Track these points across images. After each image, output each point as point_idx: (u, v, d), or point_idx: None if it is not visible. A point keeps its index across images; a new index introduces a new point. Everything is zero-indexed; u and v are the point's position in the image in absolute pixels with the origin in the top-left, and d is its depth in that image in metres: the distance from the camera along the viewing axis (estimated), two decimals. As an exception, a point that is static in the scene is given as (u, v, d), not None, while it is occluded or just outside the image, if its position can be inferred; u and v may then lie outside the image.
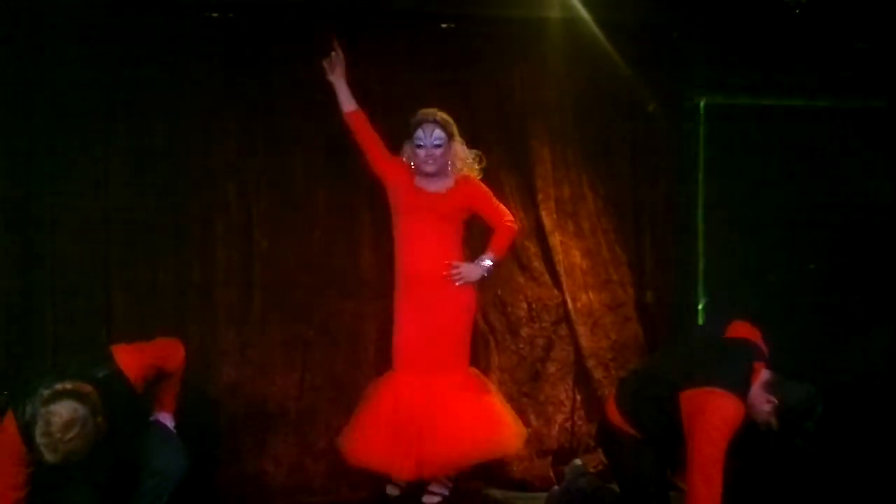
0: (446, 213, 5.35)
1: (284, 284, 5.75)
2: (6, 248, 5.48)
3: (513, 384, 5.91)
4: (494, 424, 5.36)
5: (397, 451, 5.18)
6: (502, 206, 5.48)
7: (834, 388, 4.86)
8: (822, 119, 6.39)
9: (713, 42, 6.17)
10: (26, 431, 4.08)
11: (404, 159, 5.38)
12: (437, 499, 5.41)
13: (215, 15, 5.67)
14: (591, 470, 5.58)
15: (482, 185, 5.46)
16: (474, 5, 5.79)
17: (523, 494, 5.71)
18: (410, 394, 5.27)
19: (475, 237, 5.65)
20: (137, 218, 5.62)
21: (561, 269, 6.00)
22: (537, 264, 6.02)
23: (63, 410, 3.94)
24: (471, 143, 5.60)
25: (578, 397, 6.02)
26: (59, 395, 3.97)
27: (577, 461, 5.52)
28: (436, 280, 5.33)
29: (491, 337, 5.92)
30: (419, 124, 5.26)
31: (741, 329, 4.87)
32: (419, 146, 5.27)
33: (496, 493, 5.71)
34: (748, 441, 4.49)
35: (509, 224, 5.45)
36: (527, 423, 5.67)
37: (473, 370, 5.54)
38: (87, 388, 4.06)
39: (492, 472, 5.67)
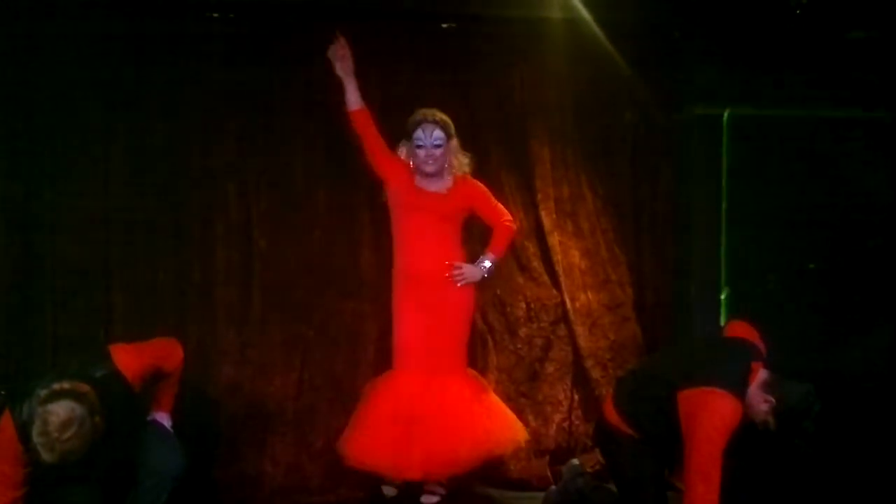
0: (447, 212, 5.36)
1: (284, 284, 5.76)
2: (6, 248, 5.50)
3: (511, 384, 5.92)
4: (495, 424, 5.36)
5: (398, 451, 5.17)
6: (501, 206, 5.49)
7: (833, 388, 4.86)
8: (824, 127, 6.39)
9: (714, 43, 6.17)
10: (24, 431, 4.08)
11: (403, 158, 5.38)
12: (435, 498, 5.41)
13: (216, 15, 5.68)
14: (589, 470, 5.60)
15: (481, 185, 5.47)
16: (474, 5, 5.79)
17: (521, 494, 5.72)
18: (411, 393, 5.27)
19: (475, 237, 5.65)
20: (137, 218, 5.64)
21: (560, 269, 6.00)
22: (536, 264, 6.03)
23: (60, 410, 3.94)
24: (471, 142, 5.62)
25: (576, 397, 6.02)
26: (56, 395, 3.97)
27: (575, 461, 5.54)
28: (436, 280, 5.33)
29: (489, 337, 5.93)
30: (418, 124, 5.27)
31: (739, 329, 4.87)
32: (419, 146, 5.27)
33: (494, 492, 5.72)
34: (746, 441, 4.48)
35: (508, 224, 5.46)
36: (525, 423, 5.65)
37: (471, 371, 5.55)
38: (85, 387, 4.06)
39: (489, 472, 5.66)
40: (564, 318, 6.01)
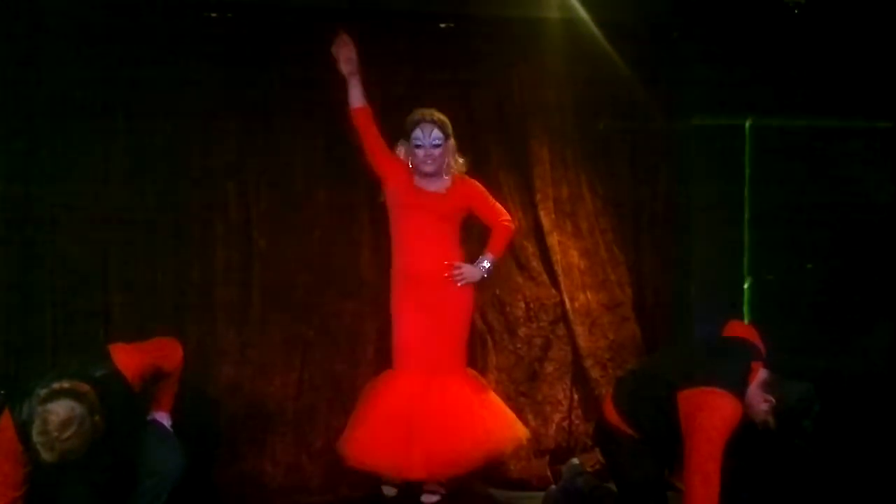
0: (446, 212, 5.36)
1: (284, 284, 5.76)
2: (6, 248, 5.49)
3: (510, 384, 5.92)
4: (496, 423, 5.36)
5: (399, 451, 5.16)
6: (499, 206, 5.50)
7: (833, 388, 4.87)
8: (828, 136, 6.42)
9: (712, 44, 6.18)
10: (23, 430, 4.09)
11: (401, 157, 5.39)
12: (435, 498, 5.41)
13: (214, 15, 5.67)
14: (589, 469, 5.59)
15: (479, 184, 5.47)
16: (473, 5, 5.80)
17: (521, 494, 5.72)
18: (411, 393, 5.26)
19: (473, 237, 5.65)
20: (137, 218, 5.62)
21: (559, 268, 6.01)
22: (535, 264, 6.03)
23: (60, 409, 3.94)
24: (470, 142, 5.64)
25: (576, 397, 6.03)
26: (56, 394, 3.98)
27: (575, 460, 5.54)
28: (436, 280, 5.34)
29: (489, 336, 5.93)
30: (417, 124, 5.28)
31: (739, 328, 4.88)
32: (418, 146, 5.28)
33: (494, 492, 5.73)
34: (746, 441, 4.48)
35: (506, 224, 5.46)
36: (524, 423, 5.63)
37: (470, 370, 5.55)
38: (85, 387, 4.07)
39: (489, 472, 5.66)
40: (564, 317, 6.01)
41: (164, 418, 4.72)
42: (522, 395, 5.93)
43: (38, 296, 5.52)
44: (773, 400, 4.40)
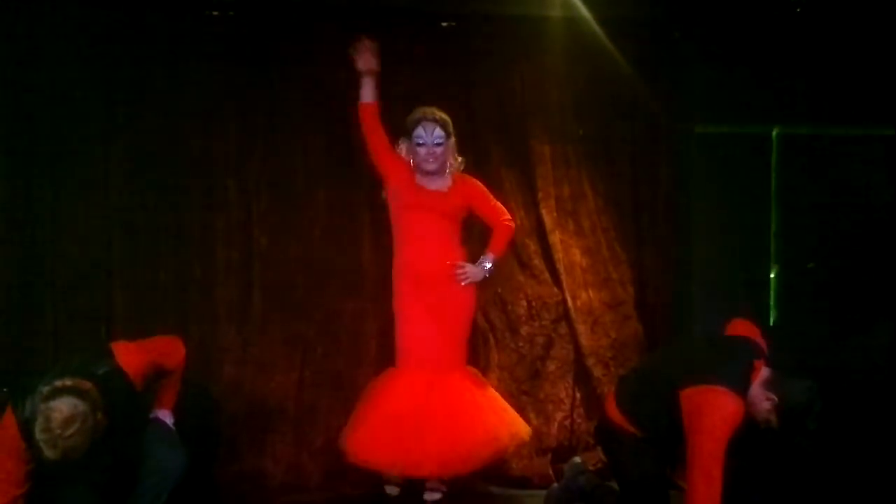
0: (447, 211, 5.37)
1: (285, 283, 5.76)
2: (7, 247, 5.50)
3: (512, 382, 5.92)
4: (500, 421, 5.37)
5: (406, 448, 5.15)
6: (500, 205, 5.51)
7: (835, 386, 4.86)
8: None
9: (713, 43, 6.18)
10: (26, 428, 4.08)
11: (402, 156, 5.39)
12: (437, 496, 5.41)
13: (215, 13, 5.67)
14: (591, 468, 5.58)
15: (480, 184, 5.48)
16: (475, 4, 5.80)
17: (522, 492, 5.72)
18: (416, 391, 5.26)
19: (474, 237, 5.66)
20: (138, 217, 5.64)
21: (561, 267, 6.00)
22: (537, 262, 6.03)
23: (63, 407, 3.93)
24: (471, 141, 5.65)
25: (578, 395, 6.02)
26: (58, 392, 3.97)
27: (577, 459, 5.52)
28: (439, 279, 5.35)
29: (491, 335, 5.93)
30: (418, 122, 5.28)
31: (741, 327, 4.87)
32: (420, 144, 5.28)
33: (495, 490, 5.73)
34: (748, 439, 4.47)
35: (507, 223, 5.48)
36: (526, 421, 5.61)
37: (471, 368, 5.55)
38: (87, 384, 4.06)
39: (491, 470, 5.63)
40: (566, 316, 6.01)
41: (166, 416, 4.70)
42: (524, 394, 5.93)
43: (39, 295, 5.54)
44: (776, 398, 4.39)
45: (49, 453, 3.97)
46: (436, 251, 5.35)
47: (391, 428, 5.17)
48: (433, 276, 5.34)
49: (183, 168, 5.70)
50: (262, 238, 5.76)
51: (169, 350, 4.63)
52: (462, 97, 5.87)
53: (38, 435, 3.95)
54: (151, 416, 4.67)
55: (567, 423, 5.98)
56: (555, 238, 6.02)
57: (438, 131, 5.28)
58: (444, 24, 5.90)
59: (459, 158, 5.43)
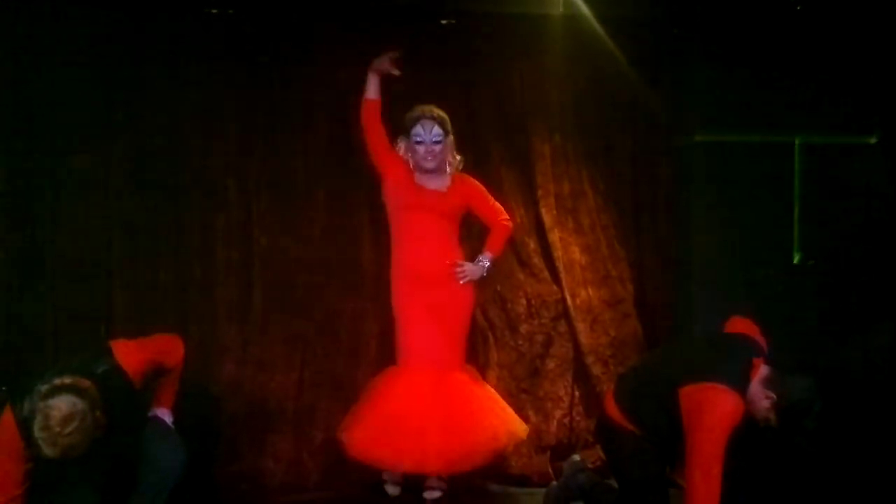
0: (447, 210, 5.37)
1: (285, 282, 5.77)
2: (7, 246, 5.50)
3: (512, 380, 5.92)
4: (499, 420, 5.36)
5: (410, 445, 5.15)
6: (498, 205, 5.51)
7: (834, 385, 4.86)
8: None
9: (713, 42, 6.18)
10: (25, 427, 4.07)
11: (400, 155, 5.39)
12: (437, 493, 5.40)
13: (215, 11, 5.67)
14: (590, 466, 5.58)
15: (478, 183, 5.49)
16: (474, 2, 5.82)
17: (522, 490, 5.73)
18: (419, 389, 5.26)
19: (473, 236, 5.66)
20: (137, 216, 5.65)
21: (560, 265, 6.01)
22: (537, 260, 6.03)
23: (62, 405, 3.94)
24: (471, 139, 5.66)
25: (577, 393, 6.03)
26: (57, 390, 3.97)
27: (576, 457, 5.51)
28: (438, 278, 5.35)
29: (490, 333, 5.93)
30: (417, 120, 5.28)
31: (740, 325, 4.86)
32: (418, 142, 5.29)
33: (495, 488, 5.74)
34: (747, 437, 4.47)
35: (505, 223, 5.48)
36: (525, 419, 5.64)
37: (469, 367, 5.55)
38: (86, 383, 4.06)
39: (490, 468, 5.63)
40: (565, 314, 6.01)
41: (165, 415, 4.70)
42: (524, 392, 5.93)
43: (39, 295, 5.54)
44: (775, 396, 4.38)
45: (48, 452, 3.97)
46: (435, 250, 5.35)
47: (392, 426, 5.16)
48: (432, 276, 5.34)
49: (183, 168, 5.71)
50: (262, 238, 5.76)
51: (168, 349, 4.63)
52: (462, 95, 5.88)
53: (37, 433, 3.95)
54: (150, 414, 4.67)
55: (566, 420, 5.99)
56: (554, 236, 6.02)
57: (437, 129, 5.28)
58: (444, 22, 5.90)
59: (458, 157, 5.44)
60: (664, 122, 6.17)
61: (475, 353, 5.75)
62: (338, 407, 5.63)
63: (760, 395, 4.41)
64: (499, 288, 5.95)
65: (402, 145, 5.37)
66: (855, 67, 6.18)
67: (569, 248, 6.05)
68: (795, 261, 6.33)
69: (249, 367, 5.71)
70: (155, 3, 5.58)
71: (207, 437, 5.34)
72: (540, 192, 6.03)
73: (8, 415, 4.21)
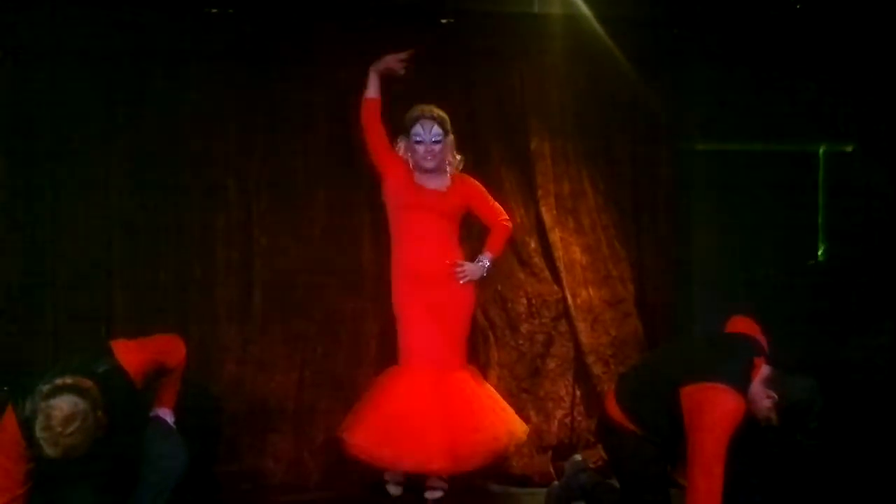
0: (447, 210, 5.37)
1: (285, 282, 5.76)
2: (7, 247, 5.50)
3: (512, 380, 5.91)
4: (499, 419, 5.36)
5: (414, 444, 5.14)
6: (498, 205, 5.51)
7: (835, 384, 4.86)
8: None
9: (713, 42, 6.18)
10: (26, 427, 4.07)
11: (400, 154, 5.39)
12: (438, 493, 5.40)
13: (215, 11, 5.67)
14: (591, 465, 5.57)
15: (478, 183, 5.49)
16: (474, 1, 5.82)
17: (523, 490, 5.73)
18: (422, 389, 5.25)
19: (474, 235, 5.66)
20: (138, 217, 5.64)
21: (561, 265, 6.01)
22: (537, 260, 6.03)
23: (64, 405, 3.94)
24: (471, 139, 5.66)
25: (578, 393, 6.03)
26: (59, 390, 3.97)
27: (577, 457, 5.51)
28: (438, 278, 5.35)
29: (491, 333, 5.93)
30: (416, 120, 5.28)
31: (741, 324, 4.87)
32: (418, 142, 5.28)
33: (496, 488, 5.74)
34: (748, 437, 4.47)
35: (505, 223, 5.49)
36: (526, 419, 5.66)
37: (470, 366, 5.54)
38: (88, 382, 4.06)
39: (492, 468, 5.61)
40: (566, 314, 6.01)
41: (166, 415, 4.71)
42: (524, 392, 5.93)
43: (39, 295, 5.54)
44: (776, 396, 4.38)
45: (50, 452, 3.97)
46: (435, 250, 5.35)
47: (394, 426, 5.15)
48: (432, 276, 5.34)
49: (183, 168, 5.70)
50: (263, 238, 5.76)
51: (169, 348, 4.64)
52: (462, 95, 5.88)
53: (39, 433, 3.95)
54: (152, 414, 4.67)
55: (567, 420, 5.99)
56: (555, 236, 6.02)
57: (436, 129, 5.28)
58: (444, 21, 5.90)
59: (459, 157, 5.44)
60: (664, 122, 6.18)
61: (476, 353, 5.75)
62: (338, 407, 5.62)
63: (762, 395, 4.41)
64: (499, 287, 5.94)
65: (401, 145, 5.37)
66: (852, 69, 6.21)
67: (569, 248, 6.05)
68: (820, 257, 6.34)
69: (250, 367, 5.70)
70: (155, 2, 5.56)
71: (208, 436, 5.34)
72: (540, 192, 6.03)
73: (9, 415, 4.21)
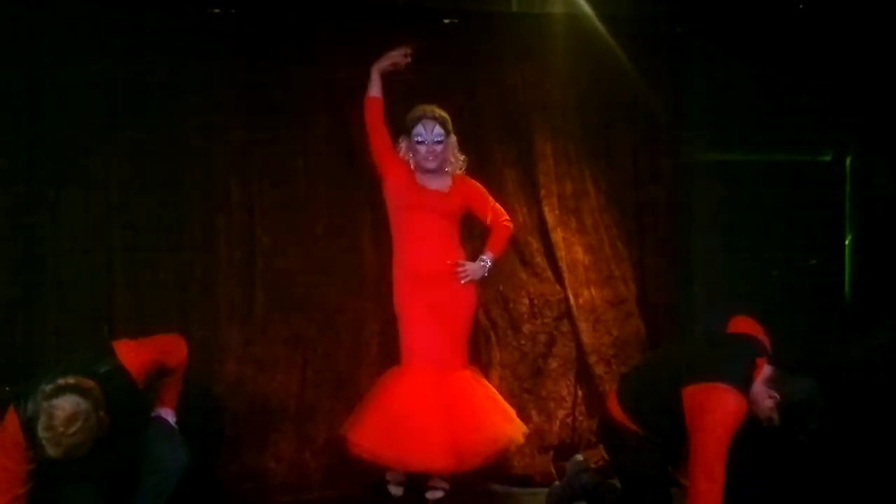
0: (448, 211, 5.37)
1: (286, 282, 5.75)
2: (8, 247, 5.48)
3: (514, 380, 5.91)
4: (500, 420, 5.36)
5: (408, 445, 5.14)
6: (499, 206, 5.51)
7: (836, 386, 4.86)
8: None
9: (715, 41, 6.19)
10: (28, 427, 4.08)
11: (401, 155, 5.38)
12: (439, 493, 5.41)
13: (216, 10, 5.67)
14: (593, 466, 5.56)
15: (479, 184, 5.49)
16: (476, 1, 5.82)
17: (524, 490, 5.73)
18: (424, 389, 5.25)
19: (475, 236, 5.66)
20: (139, 216, 5.63)
21: (563, 265, 6.01)
22: (539, 260, 6.03)
23: (66, 405, 3.93)
24: (473, 139, 5.66)
25: (580, 393, 6.03)
26: (61, 390, 3.97)
27: (579, 457, 5.50)
28: (439, 278, 5.34)
29: (493, 333, 5.93)
30: (418, 120, 5.28)
31: (743, 324, 4.86)
32: (419, 142, 5.28)
33: (497, 488, 5.74)
34: (750, 437, 4.47)
35: (506, 224, 5.49)
36: (528, 419, 5.68)
37: (472, 367, 5.54)
38: (90, 383, 4.06)
39: (493, 468, 5.62)
40: (568, 314, 6.01)
41: (168, 415, 4.70)
42: (526, 392, 5.93)
43: (40, 295, 5.52)
44: (778, 396, 4.38)
45: (51, 452, 3.97)
46: (436, 250, 5.35)
47: (396, 425, 5.15)
48: (434, 276, 5.33)
49: (184, 167, 5.69)
50: (264, 237, 5.75)
51: (171, 348, 4.63)
52: (464, 95, 5.89)
53: (41, 433, 3.95)
54: (154, 414, 4.66)
55: (569, 420, 5.98)
56: (557, 236, 6.02)
57: (438, 129, 5.28)
58: (446, 21, 5.91)
59: (461, 157, 5.44)
60: (666, 121, 6.18)
61: (478, 353, 5.75)
62: (339, 406, 5.63)
63: (764, 395, 4.41)
64: (501, 288, 5.94)
65: (403, 145, 5.37)
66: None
67: (572, 248, 6.06)
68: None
69: (251, 367, 5.69)
70: (156, 2, 5.56)
71: (209, 436, 5.32)
72: (542, 192, 6.03)
73: (11, 415, 4.20)
